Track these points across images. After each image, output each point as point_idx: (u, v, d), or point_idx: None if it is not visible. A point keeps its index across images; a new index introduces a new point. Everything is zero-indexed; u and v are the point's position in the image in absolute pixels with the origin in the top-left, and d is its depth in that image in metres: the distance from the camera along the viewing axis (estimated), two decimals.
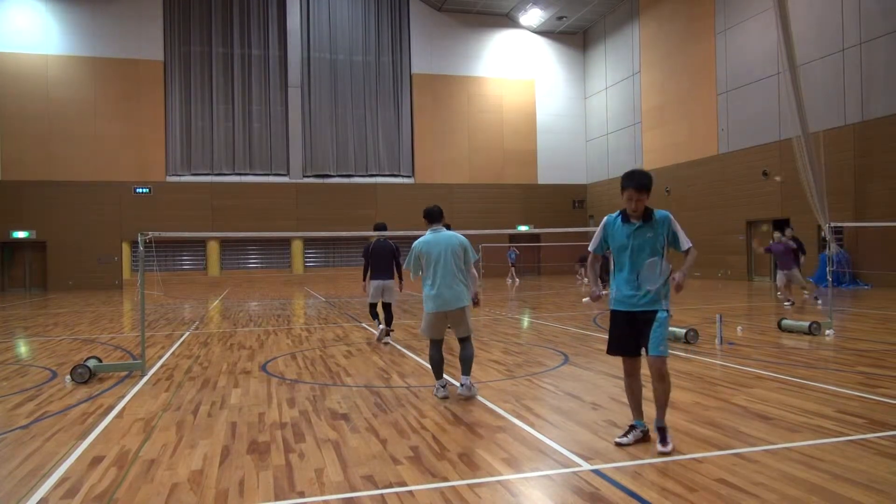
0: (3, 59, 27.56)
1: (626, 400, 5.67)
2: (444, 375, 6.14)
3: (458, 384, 6.05)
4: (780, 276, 14.06)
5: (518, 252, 29.61)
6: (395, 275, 9.72)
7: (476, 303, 6.16)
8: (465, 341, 5.97)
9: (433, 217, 6.07)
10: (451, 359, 8.27)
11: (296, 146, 31.02)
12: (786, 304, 13.81)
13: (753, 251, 21.61)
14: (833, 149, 18.72)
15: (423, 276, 5.89)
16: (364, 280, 9.94)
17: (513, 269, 28.73)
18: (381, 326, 9.65)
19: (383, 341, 9.60)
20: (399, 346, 9.33)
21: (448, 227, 6.58)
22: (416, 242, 5.95)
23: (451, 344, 9.63)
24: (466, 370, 5.91)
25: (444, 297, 5.77)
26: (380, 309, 9.92)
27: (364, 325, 12.21)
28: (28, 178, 27.61)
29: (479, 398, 5.89)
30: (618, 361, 7.62)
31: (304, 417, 5.35)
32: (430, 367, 6.08)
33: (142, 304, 7.82)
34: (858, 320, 11.29)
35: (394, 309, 10.29)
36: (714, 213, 24.76)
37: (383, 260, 9.61)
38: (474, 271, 6.15)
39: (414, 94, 32.47)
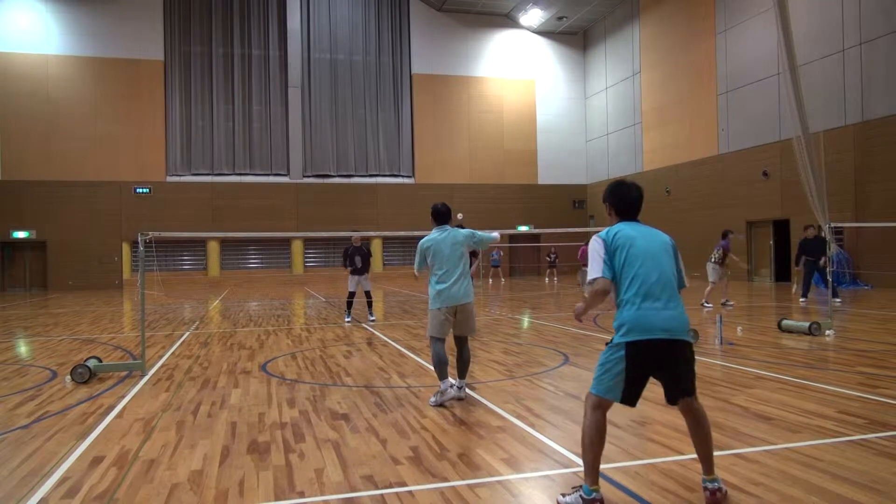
0: (3, 59, 27.55)
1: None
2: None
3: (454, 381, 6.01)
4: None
5: (501, 253, 29.68)
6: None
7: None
8: (464, 343, 5.95)
9: (441, 217, 6.03)
10: (451, 359, 8.28)
11: (296, 146, 31.02)
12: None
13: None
14: (833, 149, 18.71)
15: (431, 274, 5.90)
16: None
17: (493, 270, 28.84)
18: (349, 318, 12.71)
19: (348, 321, 12.57)
20: (399, 346, 9.34)
21: (461, 227, 6.66)
22: (423, 240, 5.99)
23: (452, 345, 9.65)
24: (464, 373, 5.93)
25: (453, 292, 5.74)
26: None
27: (364, 325, 12.22)
28: (28, 178, 27.61)
29: (479, 398, 5.89)
30: None
31: (304, 417, 5.35)
32: (433, 367, 5.84)
33: (142, 304, 7.82)
34: (859, 321, 11.29)
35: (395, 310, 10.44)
36: (714, 213, 24.74)
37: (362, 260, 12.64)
38: (495, 234, 6.22)
39: (414, 94, 32.47)
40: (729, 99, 24.11)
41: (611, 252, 3.44)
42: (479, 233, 6.07)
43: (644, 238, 3.46)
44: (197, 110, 30.10)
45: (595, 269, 3.46)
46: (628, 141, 30.57)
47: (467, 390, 6.11)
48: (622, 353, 3.30)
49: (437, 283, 5.80)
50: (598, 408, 3.39)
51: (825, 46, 19.91)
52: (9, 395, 6.50)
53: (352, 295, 12.75)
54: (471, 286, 5.90)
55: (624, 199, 3.62)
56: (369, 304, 13.01)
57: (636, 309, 3.30)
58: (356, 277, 12.65)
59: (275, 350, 9.25)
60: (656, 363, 3.35)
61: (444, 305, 5.75)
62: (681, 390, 3.38)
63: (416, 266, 6.08)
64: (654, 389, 6.08)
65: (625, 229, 3.50)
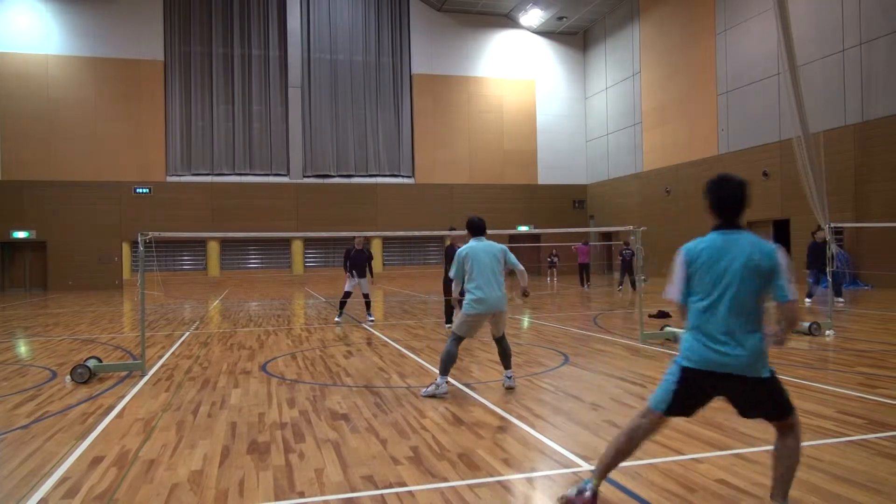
0: (3, 59, 27.55)
1: (626, 400, 5.71)
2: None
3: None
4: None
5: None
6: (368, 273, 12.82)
7: (526, 294, 6.71)
8: (502, 340, 6.33)
9: (477, 229, 6.38)
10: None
11: (296, 146, 31.02)
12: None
13: None
14: (833, 149, 18.72)
15: (468, 280, 6.16)
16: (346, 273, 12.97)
17: None
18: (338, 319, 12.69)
19: (336, 321, 12.59)
20: (399, 347, 9.33)
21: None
22: (461, 249, 6.27)
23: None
24: (509, 364, 6.32)
25: (491, 300, 6.05)
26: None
27: (363, 324, 12.22)
28: (28, 178, 27.60)
29: (479, 398, 5.89)
30: (618, 361, 7.66)
31: (304, 417, 5.35)
32: (440, 360, 6.05)
33: (142, 304, 7.82)
34: (858, 321, 11.29)
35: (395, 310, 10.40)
36: None
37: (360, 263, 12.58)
38: (522, 267, 6.52)
39: (414, 94, 32.47)
40: (729, 99, 24.11)
41: (692, 270, 3.15)
42: (512, 255, 6.42)
43: (730, 256, 3.07)
44: (197, 110, 30.09)
45: (671, 289, 3.24)
46: (628, 141, 30.56)
47: (470, 392, 6.12)
48: (678, 374, 3.15)
49: (476, 290, 6.07)
50: (645, 416, 3.25)
51: (825, 46, 19.91)
52: (9, 395, 6.50)
53: (347, 295, 12.70)
54: (505, 295, 6.20)
55: (720, 197, 3.18)
56: (367, 305, 12.94)
57: (697, 338, 3.11)
58: (355, 280, 12.62)
59: (275, 350, 9.25)
60: (714, 391, 3.15)
61: (479, 312, 6.06)
62: (749, 415, 3.18)
63: (452, 274, 6.34)
64: (654, 389, 6.09)
65: (714, 242, 3.13)
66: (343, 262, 12.85)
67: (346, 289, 12.70)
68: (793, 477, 3.11)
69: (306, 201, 30.90)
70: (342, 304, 12.74)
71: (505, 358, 6.31)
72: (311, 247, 31.87)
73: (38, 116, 27.78)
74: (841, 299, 14.27)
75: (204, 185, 29.95)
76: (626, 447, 3.27)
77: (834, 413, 5.07)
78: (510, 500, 3.53)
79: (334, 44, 31.55)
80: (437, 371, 6.16)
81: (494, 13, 33.03)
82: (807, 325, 9.35)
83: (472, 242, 6.32)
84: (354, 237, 12.58)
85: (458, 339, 6.16)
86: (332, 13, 31.57)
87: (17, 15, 27.87)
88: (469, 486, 3.71)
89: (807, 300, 14.44)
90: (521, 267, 6.50)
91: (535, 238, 32.49)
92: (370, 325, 12.09)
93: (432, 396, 5.92)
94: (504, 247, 6.37)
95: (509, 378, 6.24)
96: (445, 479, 3.82)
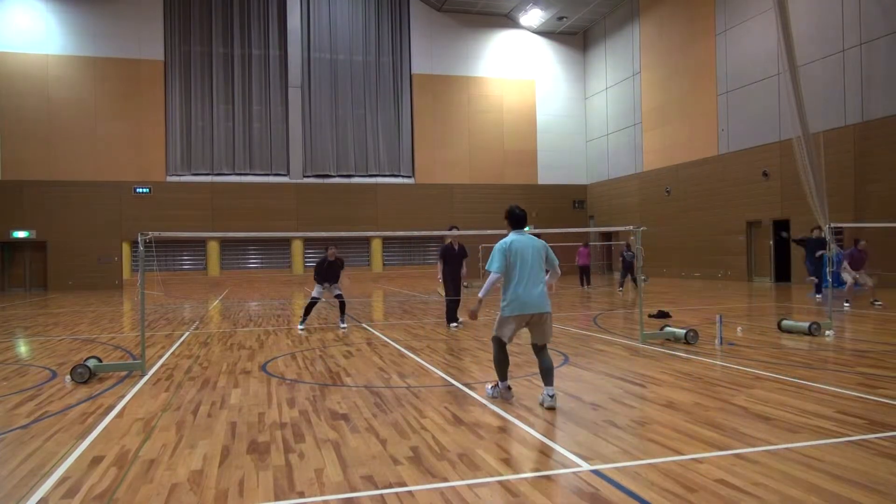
0: (3, 59, 27.54)
1: (626, 400, 5.71)
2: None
3: (535, 394, 5.82)
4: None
5: None
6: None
7: (550, 289, 6.14)
8: (543, 350, 5.67)
9: (519, 221, 5.80)
10: (452, 359, 8.27)
11: (296, 146, 31.02)
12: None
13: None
14: (833, 149, 18.72)
15: (508, 277, 5.59)
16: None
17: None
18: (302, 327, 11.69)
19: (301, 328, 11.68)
20: (399, 347, 9.33)
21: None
22: (503, 241, 5.65)
23: (452, 345, 9.64)
24: (550, 381, 5.58)
25: (531, 299, 5.52)
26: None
27: (364, 325, 12.21)
28: (28, 178, 27.59)
29: (479, 398, 5.89)
30: (618, 361, 7.65)
31: (304, 417, 5.35)
32: (494, 368, 5.81)
33: (142, 304, 7.82)
34: (858, 321, 11.29)
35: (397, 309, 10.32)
36: (714, 213, 24.74)
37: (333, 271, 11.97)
38: (559, 271, 6.06)
39: (414, 94, 32.46)
40: (729, 99, 24.11)
41: None
42: (553, 253, 5.86)
43: None
44: (197, 110, 30.08)
45: None
46: (628, 141, 30.56)
47: (470, 392, 6.10)
48: None
49: (516, 286, 5.53)
50: None
51: (825, 46, 19.91)
52: (8, 395, 6.50)
53: (315, 300, 11.82)
54: (546, 295, 5.67)
55: None
56: (342, 308, 12.00)
57: None
58: (324, 285, 11.86)
59: (275, 350, 9.25)
60: None
61: (519, 313, 5.53)
62: None
63: (495, 267, 5.55)
64: (654, 389, 6.09)
65: None
66: (316, 270, 11.94)
67: (314, 295, 11.80)
68: None
69: (306, 201, 30.90)
70: (309, 310, 11.82)
71: (546, 373, 5.57)
72: (310, 247, 31.84)
73: (38, 116, 27.77)
74: (819, 295, 14.61)
75: (204, 185, 29.94)
76: None
77: (834, 413, 5.07)
78: (510, 500, 3.53)
79: (334, 43, 31.55)
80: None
81: (494, 13, 33.03)
82: (806, 325, 9.36)
83: (514, 235, 5.69)
84: (328, 248, 11.93)
85: (500, 344, 5.70)
86: (332, 13, 31.57)
87: (17, 15, 27.86)
88: (469, 486, 3.71)
89: (818, 296, 14.60)
90: (559, 271, 6.03)
91: None
92: (371, 327, 12.08)
93: (495, 398, 5.73)
94: (546, 243, 5.80)
95: (551, 397, 5.46)
96: (445, 479, 3.82)
